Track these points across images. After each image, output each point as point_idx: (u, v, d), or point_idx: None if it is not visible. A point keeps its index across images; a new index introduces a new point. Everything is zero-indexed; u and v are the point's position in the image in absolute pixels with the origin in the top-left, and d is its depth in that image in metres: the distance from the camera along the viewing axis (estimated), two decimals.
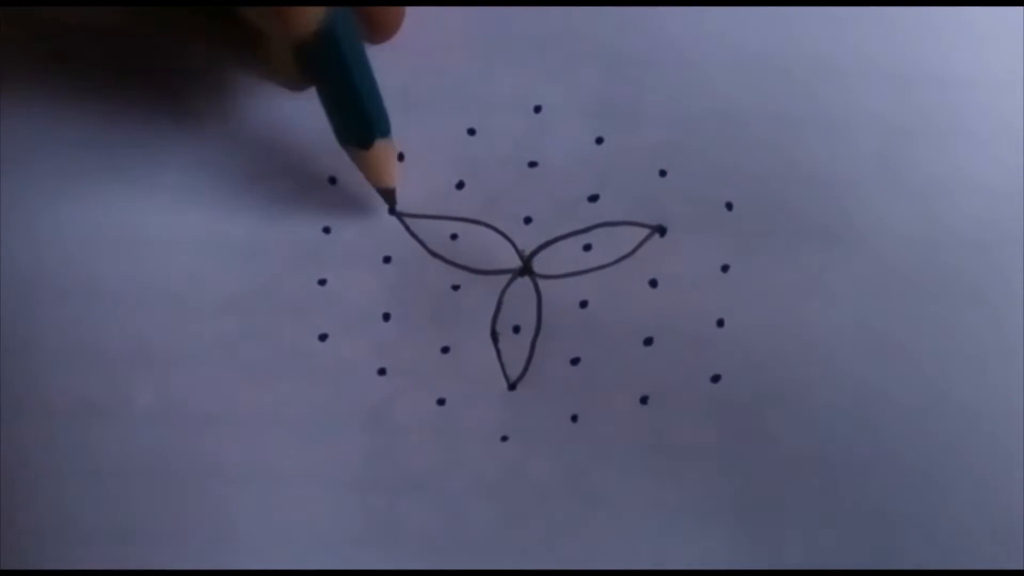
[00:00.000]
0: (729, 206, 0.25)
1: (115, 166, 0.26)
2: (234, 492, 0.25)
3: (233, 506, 0.25)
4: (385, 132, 0.24)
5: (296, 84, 0.25)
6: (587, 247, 0.26)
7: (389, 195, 0.25)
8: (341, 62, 0.23)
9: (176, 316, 0.25)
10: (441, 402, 0.25)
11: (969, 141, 0.25)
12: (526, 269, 0.26)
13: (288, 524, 0.25)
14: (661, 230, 0.26)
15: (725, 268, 0.25)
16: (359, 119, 0.24)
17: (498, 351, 0.25)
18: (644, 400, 0.25)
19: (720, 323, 0.25)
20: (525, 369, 0.25)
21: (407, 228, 0.26)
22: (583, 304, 0.25)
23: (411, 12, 0.26)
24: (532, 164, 0.26)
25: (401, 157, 0.26)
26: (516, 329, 0.25)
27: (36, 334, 0.25)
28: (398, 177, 0.25)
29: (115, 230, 0.26)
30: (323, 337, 0.25)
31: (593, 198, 0.26)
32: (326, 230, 0.26)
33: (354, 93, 0.24)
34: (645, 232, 0.26)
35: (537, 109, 0.26)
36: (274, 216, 0.26)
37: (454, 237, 0.26)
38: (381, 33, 0.25)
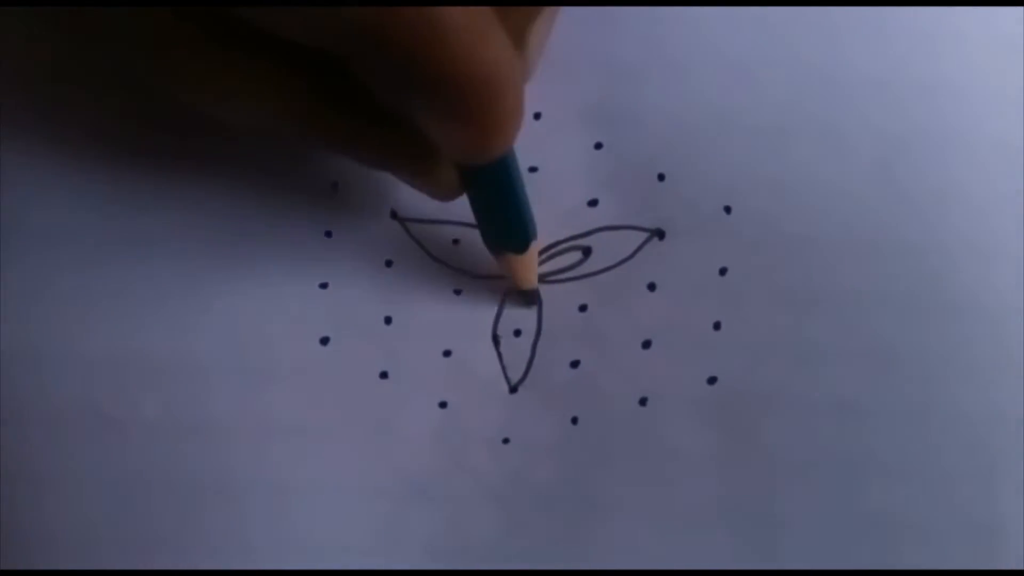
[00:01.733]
0: (728, 210, 0.26)
1: (119, 168, 0.26)
2: (235, 498, 0.25)
3: (235, 512, 0.25)
4: (535, 234, 0.24)
5: (452, 196, 0.23)
6: (587, 252, 0.26)
7: (535, 296, 0.25)
8: (510, 181, 0.23)
9: (177, 322, 0.25)
10: (443, 405, 0.25)
11: (967, 148, 0.26)
12: None
13: (291, 528, 0.25)
14: (660, 234, 0.26)
15: (723, 272, 0.26)
16: (520, 229, 0.24)
17: (499, 354, 0.26)
18: (643, 402, 0.25)
19: (717, 326, 0.25)
20: (526, 372, 0.26)
21: (409, 233, 0.26)
22: (583, 308, 0.26)
23: None
24: (532, 169, 0.26)
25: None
26: (517, 333, 0.26)
27: (41, 341, 0.25)
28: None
29: (117, 236, 0.26)
30: (324, 341, 0.25)
31: (592, 203, 0.26)
32: (328, 234, 0.26)
33: (517, 207, 0.23)
34: (644, 236, 0.26)
35: (536, 116, 0.26)
36: (276, 220, 0.26)
37: (456, 242, 0.26)
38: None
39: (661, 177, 0.26)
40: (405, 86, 0.19)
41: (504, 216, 0.24)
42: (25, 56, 0.26)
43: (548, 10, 0.22)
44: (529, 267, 0.25)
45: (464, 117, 0.19)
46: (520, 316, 0.26)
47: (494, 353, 0.26)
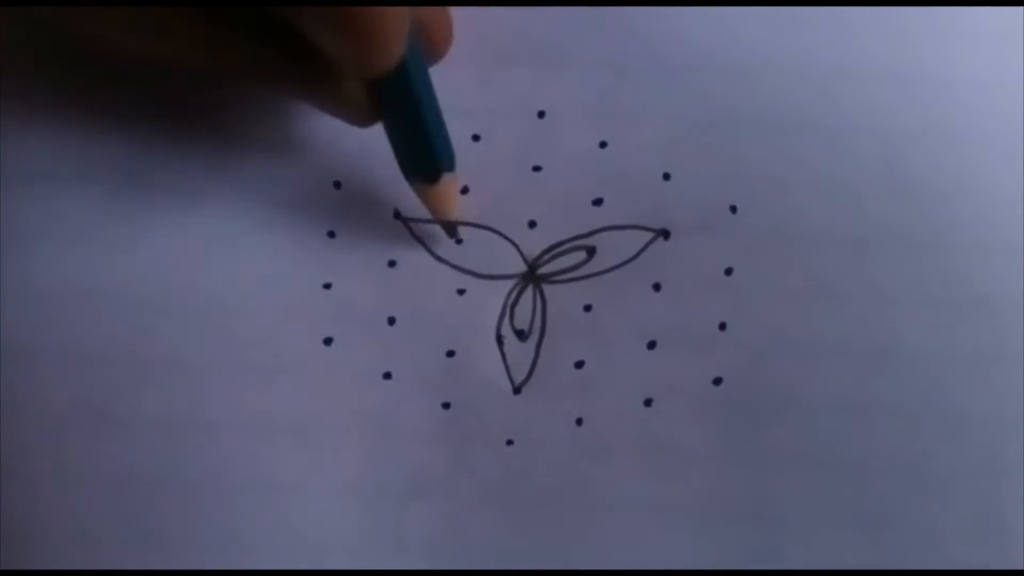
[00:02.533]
0: (733, 209, 0.26)
1: (117, 169, 0.26)
2: (238, 497, 0.25)
3: (238, 511, 0.25)
4: (451, 166, 0.24)
5: (365, 119, 0.24)
6: (591, 251, 0.26)
7: (452, 228, 0.25)
8: (415, 94, 0.23)
9: (180, 320, 0.25)
10: (446, 406, 0.25)
11: (973, 144, 0.26)
12: (532, 275, 0.26)
13: (293, 529, 0.25)
14: (665, 234, 0.26)
15: (728, 271, 0.25)
16: (429, 153, 0.24)
17: (503, 355, 0.25)
18: (648, 403, 0.25)
19: (722, 326, 0.25)
20: (530, 373, 0.25)
21: (412, 233, 0.26)
22: (587, 308, 0.26)
23: None
24: (536, 168, 0.26)
25: (465, 190, 0.26)
26: (521, 333, 0.26)
27: (39, 338, 0.25)
28: (460, 210, 0.25)
29: (119, 233, 0.26)
30: (328, 341, 0.25)
31: (597, 202, 0.26)
32: (331, 234, 0.26)
33: (425, 126, 0.23)
34: (649, 236, 0.26)
35: (541, 114, 0.26)
36: (279, 220, 0.26)
37: (459, 242, 0.26)
38: (436, 52, 0.24)
39: (666, 176, 0.26)
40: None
41: (412, 139, 0.24)
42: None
43: None
44: (443, 198, 0.25)
45: (339, 26, 0.20)
46: (524, 316, 0.26)
47: (498, 353, 0.25)
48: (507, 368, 0.25)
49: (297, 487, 0.25)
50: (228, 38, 0.22)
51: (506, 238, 0.26)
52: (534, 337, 0.26)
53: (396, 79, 0.22)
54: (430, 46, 0.24)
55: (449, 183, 0.25)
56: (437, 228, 0.26)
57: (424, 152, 0.24)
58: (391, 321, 0.26)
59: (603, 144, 0.26)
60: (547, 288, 0.26)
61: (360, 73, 0.22)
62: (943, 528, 0.25)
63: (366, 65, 0.22)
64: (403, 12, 0.21)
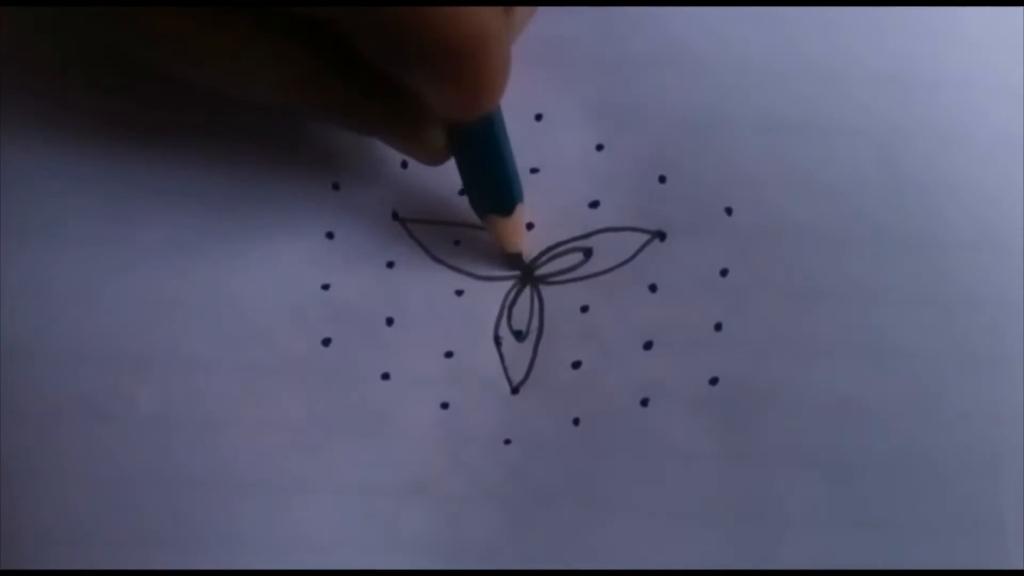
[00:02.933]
0: (728, 211, 0.26)
1: (115, 169, 0.26)
2: (237, 497, 0.25)
3: (236, 511, 0.25)
4: (521, 197, 0.25)
5: (440, 158, 0.24)
6: (588, 253, 0.26)
7: (519, 260, 0.26)
8: (496, 138, 0.23)
9: (178, 320, 0.25)
10: (445, 406, 0.25)
11: (968, 144, 0.26)
12: (528, 276, 0.26)
13: (291, 528, 0.25)
14: (661, 235, 0.26)
15: (724, 272, 0.26)
16: (506, 190, 0.24)
17: (501, 355, 0.26)
18: (645, 403, 0.25)
19: (719, 327, 0.26)
20: (528, 373, 0.26)
21: (410, 234, 0.26)
22: (584, 309, 0.26)
23: None
24: (533, 171, 0.26)
25: (530, 227, 0.26)
26: (518, 334, 0.26)
27: (39, 337, 0.25)
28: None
29: (117, 233, 0.26)
30: (327, 342, 0.25)
31: (594, 204, 0.26)
32: (329, 235, 0.26)
33: (504, 164, 0.24)
34: (645, 237, 0.26)
35: (538, 117, 0.26)
36: (277, 221, 0.26)
37: (457, 243, 0.26)
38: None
39: (662, 178, 0.26)
40: (398, 47, 0.20)
41: (491, 177, 0.24)
42: (22, 43, 0.26)
43: None
44: (515, 230, 0.25)
45: (453, 74, 0.20)
46: (522, 317, 0.26)
47: (496, 354, 0.26)
48: (505, 368, 0.26)
49: (295, 487, 0.25)
50: (321, 82, 0.22)
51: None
52: (532, 338, 0.26)
53: (485, 122, 0.23)
54: None
55: (520, 213, 0.25)
56: (435, 229, 0.26)
57: (503, 188, 0.24)
58: (389, 322, 0.26)
59: (600, 147, 0.26)
60: (545, 289, 0.26)
61: (454, 117, 0.22)
62: (941, 528, 0.25)
63: (469, 112, 0.22)
64: (509, 54, 0.21)
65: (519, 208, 0.25)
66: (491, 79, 0.21)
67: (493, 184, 0.24)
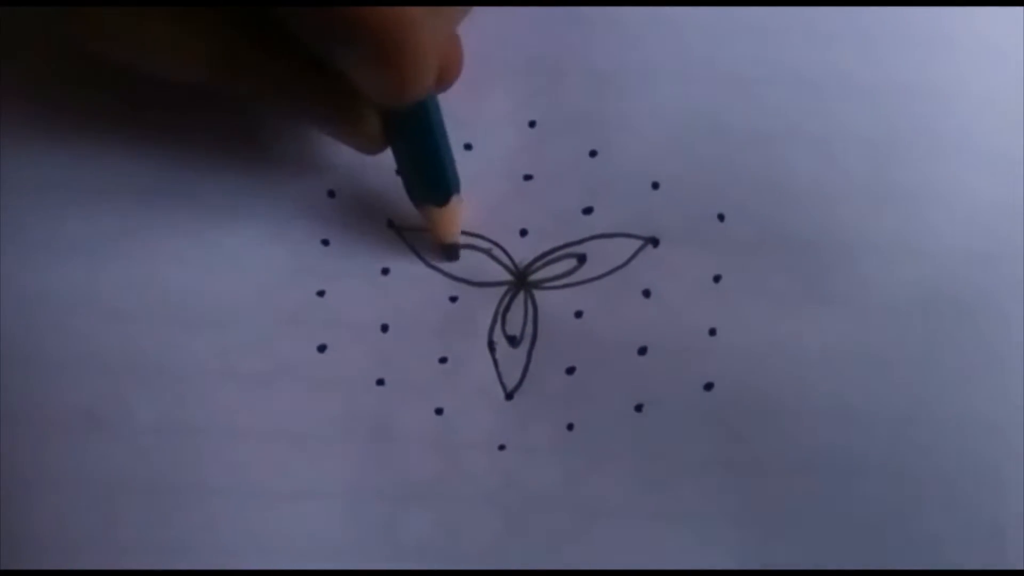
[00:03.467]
0: (721, 217, 0.26)
1: (114, 181, 0.26)
2: (233, 504, 0.25)
3: (232, 517, 0.25)
4: (457, 188, 0.25)
5: (376, 146, 0.24)
6: (582, 259, 0.26)
7: (454, 251, 0.26)
8: (430, 124, 0.23)
9: (175, 327, 0.26)
10: (439, 412, 0.25)
11: (958, 152, 0.26)
12: (522, 283, 0.26)
13: (287, 534, 0.25)
14: (654, 241, 0.26)
15: (717, 279, 0.26)
16: (440, 179, 0.24)
17: (495, 361, 0.26)
18: (639, 408, 0.25)
19: (712, 332, 0.26)
20: (522, 379, 0.26)
21: (405, 241, 0.26)
22: (578, 315, 0.26)
23: None
24: (527, 177, 0.26)
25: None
26: (512, 339, 0.26)
27: (37, 345, 0.26)
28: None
29: (116, 242, 0.26)
30: (322, 348, 0.26)
31: (587, 210, 0.26)
32: (325, 242, 0.26)
33: (438, 154, 0.24)
34: (638, 244, 0.26)
35: (532, 124, 0.26)
36: (273, 228, 0.26)
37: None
38: (445, 81, 0.24)
39: (655, 185, 0.26)
40: (328, 32, 0.20)
41: (425, 166, 0.24)
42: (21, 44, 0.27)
43: None
44: (450, 220, 0.25)
45: (377, 55, 0.20)
46: (516, 323, 0.26)
47: (490, 360, 0.26)
48: (499, 374, 0.26)
49: (291, 493, 0.25)
50: (252, 60, 0.22)
51: (499, 246, 0.26)
52: (526, 343, 0.26)
53: (417, 109, 0.23)
54: (441, 74, 0.24)
55: (456, 205, 0.25)
56: (430, 237, 0.26)
57: (436, 178, 0.24)
58: (384, 328, 0.26)
59: (593, 153, 0.26)
60: (538, 295, 0.26)
61: (387, 103, 0.22)
62: (938, 533, 0.25)
63: (398, 96, 0.22)
64: (439, 44, 0.21)
65: (454, 199, 0.25)
66: (416, 63, 0.21)
67: (427, 174, 0.24)
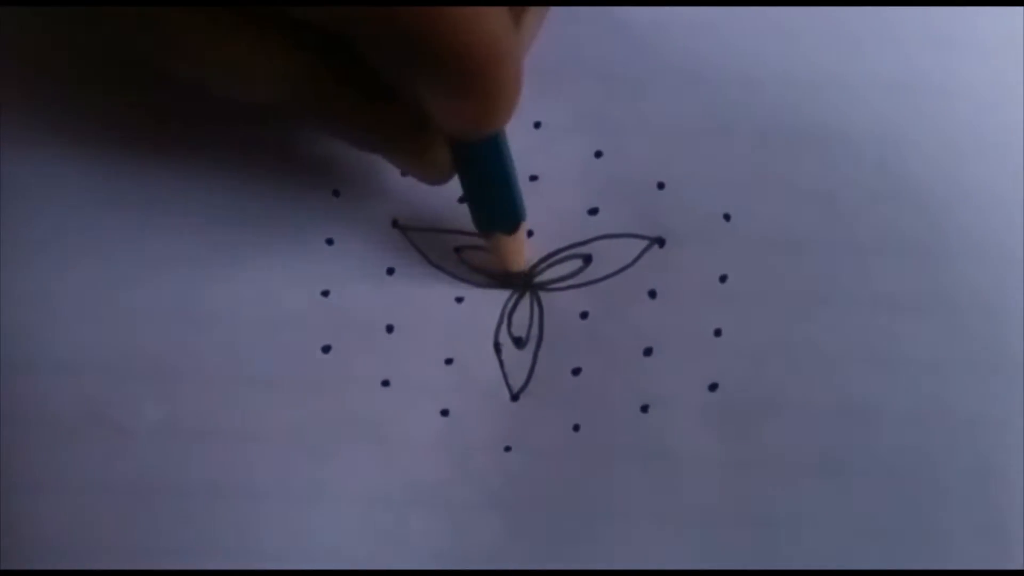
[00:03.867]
0: (727, 217, 0.26)
1: (116, 179, 0.26)
2: (239, 506, 0.25)
3: (237, 520, 0.25)
4: (524, 215, 0.24)
5: (443, 177, 0.24)
6: (587, 259, 0.26)
7: (519, 278, 0.25)
8: (502, 157, 0.23)
9: (177, 328, 0.25)
10: (445, 413, 0.25)
11: (969, 150, 0.26)
12: (528, 283, 0.26)
13: (293, 537, 0.25)
14: (660, 242, 0.26)
15: (723, 278, 0.26)
16: (511, 207, 0.24)
17: (501, 362, 0.26)
18: (645, 409, 0.25)
19: (718, 333, 0.26)
20: (528, 380, 0.26)
21: (410, 241, 0.26)
22: (584, 315, 0.26)
23: None
24: (533, 178, 0.26)
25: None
26: (518, 341, 0.26)
27: (43, 347, 0.25)
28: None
29: (118, 243, 0.26)
30: (326, 349, 0.25)
31: (593, 211, 0.26)
32: (329, 242, 0.26)
33: (508, 182, 0.23)
34: (644, 244, 0.26)
35: (537, 125, 0.26)
36: (277, 228, 0.26)
37: (457, 250, 0.26)
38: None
39: (661, 185, 0.26)
40: (410, 60, 0.20)
41: (495, 195, 0.24)
42: (26, 49, 0.26)
43: None
44: (517, 248, 0.25)
45: (465, 89, 0.20)
46: (521, 324, 0.26)
47: (496, 361, 0.26)
48: (505, 375, 0.26)
49: (297, 495, 0.25)
50: (328, 84, 0.22)
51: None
52: (531, 344, 0.26)
53: (487, 143, 0.22)
54: None
55: (523, 231, 0.25)
56: (435, 236, 0.26)
57: (508, 206, 0.24)
58: (390, 329, 0.26)
59: (598, 154, 0.26)
60: (544, 296, 0.26)
61: (462, 134, 0.22)
62: (943, 533, 0.25)
63: (479, 128, 0.21)
64: (520, 72, 0.20)
65: (522, 226, 0.25)
66: (502, 94, 0.20)
67: (498, 202, 0.24)
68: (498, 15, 0.19)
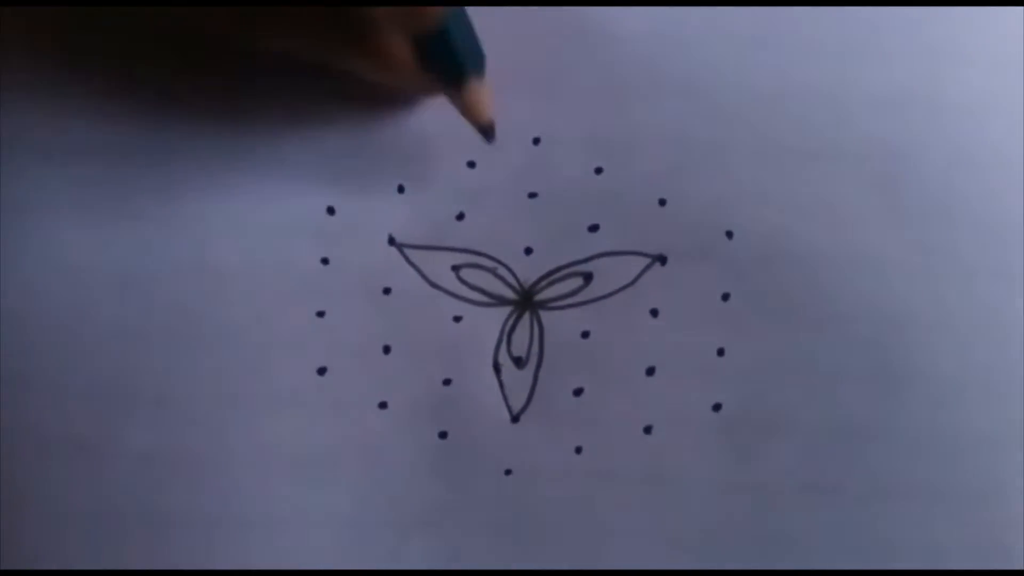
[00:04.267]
0: (729, 235, 0.26)
1: (103, 195, 0.25)
2: (231, 532, 0.24)
3: (232, 544, 0.24)
4: (484, 63, 0.24)
5: (413, 75, 0.24)
6: (588, 277, 0.26)
7: (492, 130, 0.25)
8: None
9: (170, 349, 0.25)
10: (443, 435, 0.25)
11: (971, 165, 0.26)
12: (527, 302, 0.25)
13: (289, 561, 0.24)
14: (661, 259, 0.26)
15: (726, 297, 0.25)
16: (476, 46, 0.24)
17: (500, 383, 0.25)
18: (648, 430, 0.25)
19: (721, 352, 0.25)
20: (528, 401, 0.25)
21: (407, 259, 0.26)
22: (585, 335, 0.25)
23: None
24: (532, 195, 0.26)
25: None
26: (518, 360, 0.25)
27: (28, 369, 0.25)
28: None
29: (111, 261, 0.25)
30: (322, 371, 0.25)
31: (593, 228, 0.26)
32: (324, 261, 0.25)
33: (469, 23, 0.24)
34: (645, 262, 0.26)
35: (536, 141, 0.26)
36: (271, 247, 0.25)
37: (455, 268, 0.25)
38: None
39: (662, 202, 0.26)
40: None
41: (465, 33, 0.24)
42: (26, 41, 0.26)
43: None
44: (490, 92, 0.24)
45: None
46: (521, 343, 0.25)
47: (495, 381, 0.25)
48: (505, 396, 0.25)
49: (292, 519, 0.24)
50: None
51: (503, 265, 0.25)
52: (532, 364, 0.25)
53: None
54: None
55: (486, 85, 0.24)
56: (433, 255, 0.25)
57: (474, 45, 0.24)
58: (386, 350, 0.25)
59: (599, 170, 0.26)
60: (544, 315, 0.25)
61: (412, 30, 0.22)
62: (949, 549, 0.24)
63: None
64: None
65: (487, 78, 0.24)
66: None
67: (470, 40, 0.24)
68: None
